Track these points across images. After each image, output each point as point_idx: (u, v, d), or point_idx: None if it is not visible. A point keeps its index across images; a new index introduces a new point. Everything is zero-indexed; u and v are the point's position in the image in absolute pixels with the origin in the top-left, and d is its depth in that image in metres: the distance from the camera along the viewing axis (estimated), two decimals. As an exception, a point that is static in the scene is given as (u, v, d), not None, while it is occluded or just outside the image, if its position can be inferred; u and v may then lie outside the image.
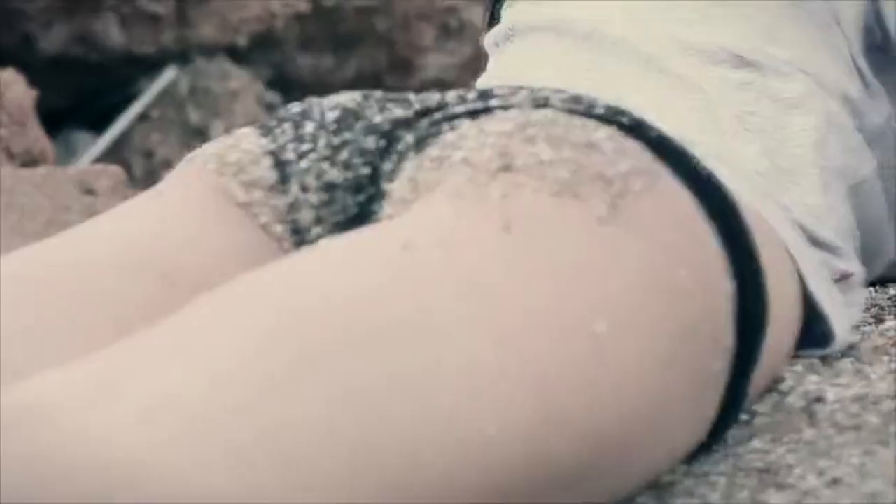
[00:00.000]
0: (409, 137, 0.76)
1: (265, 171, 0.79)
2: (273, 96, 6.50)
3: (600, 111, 0.72)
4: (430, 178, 0.70)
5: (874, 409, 0.82)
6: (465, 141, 0.70)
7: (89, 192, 2.87)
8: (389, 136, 0.77)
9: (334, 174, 0.77)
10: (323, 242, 0.66)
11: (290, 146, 0.79)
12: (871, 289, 1.08)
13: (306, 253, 0.64)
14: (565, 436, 0.58)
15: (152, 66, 6.50)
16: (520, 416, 0.57)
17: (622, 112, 0.73)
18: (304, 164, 0.78)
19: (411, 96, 0.82)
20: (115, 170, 3.10)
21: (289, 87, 6.54)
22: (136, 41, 6.41)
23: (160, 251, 0.74)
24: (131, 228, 0.77)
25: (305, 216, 0.77)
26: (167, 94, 6.39)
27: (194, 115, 6.36)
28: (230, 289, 0.59)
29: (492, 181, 0.64)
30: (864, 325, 1.00)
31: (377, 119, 0.78)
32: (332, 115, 0.80)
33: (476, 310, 0.57)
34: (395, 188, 0.74)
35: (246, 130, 0.83)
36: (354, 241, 0.63)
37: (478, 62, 1.02)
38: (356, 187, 0.77)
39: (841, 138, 0.86)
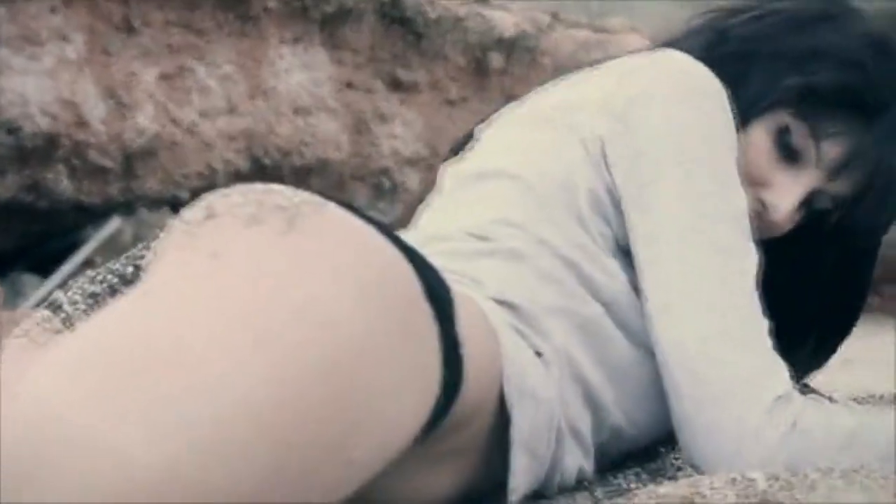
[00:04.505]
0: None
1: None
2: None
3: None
4: (161, 244, 0.90)
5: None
6: (187, 213, 0.89)
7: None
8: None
9: (95, 288, 0.95)
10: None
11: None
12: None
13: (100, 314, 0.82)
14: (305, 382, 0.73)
15: (98, 215, 6.70)
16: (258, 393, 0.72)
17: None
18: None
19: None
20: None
21: (228, 239, 6.68)
22: (84, 191, 6.61)
23: None
24: None
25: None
26: (111, 242, 6.59)
27: (136, 263, 6.48)
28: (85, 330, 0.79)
29: (200, 228, 0.82)
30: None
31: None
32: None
33: (201, 328, 0.73)
34: (144, 262, 0.93)
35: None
36: (121, 300, 0.81)
37: (408, 222, 1.21)
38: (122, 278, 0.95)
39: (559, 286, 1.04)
